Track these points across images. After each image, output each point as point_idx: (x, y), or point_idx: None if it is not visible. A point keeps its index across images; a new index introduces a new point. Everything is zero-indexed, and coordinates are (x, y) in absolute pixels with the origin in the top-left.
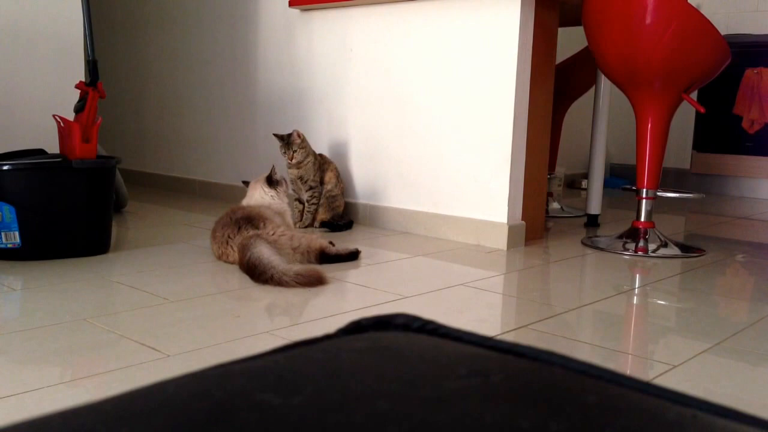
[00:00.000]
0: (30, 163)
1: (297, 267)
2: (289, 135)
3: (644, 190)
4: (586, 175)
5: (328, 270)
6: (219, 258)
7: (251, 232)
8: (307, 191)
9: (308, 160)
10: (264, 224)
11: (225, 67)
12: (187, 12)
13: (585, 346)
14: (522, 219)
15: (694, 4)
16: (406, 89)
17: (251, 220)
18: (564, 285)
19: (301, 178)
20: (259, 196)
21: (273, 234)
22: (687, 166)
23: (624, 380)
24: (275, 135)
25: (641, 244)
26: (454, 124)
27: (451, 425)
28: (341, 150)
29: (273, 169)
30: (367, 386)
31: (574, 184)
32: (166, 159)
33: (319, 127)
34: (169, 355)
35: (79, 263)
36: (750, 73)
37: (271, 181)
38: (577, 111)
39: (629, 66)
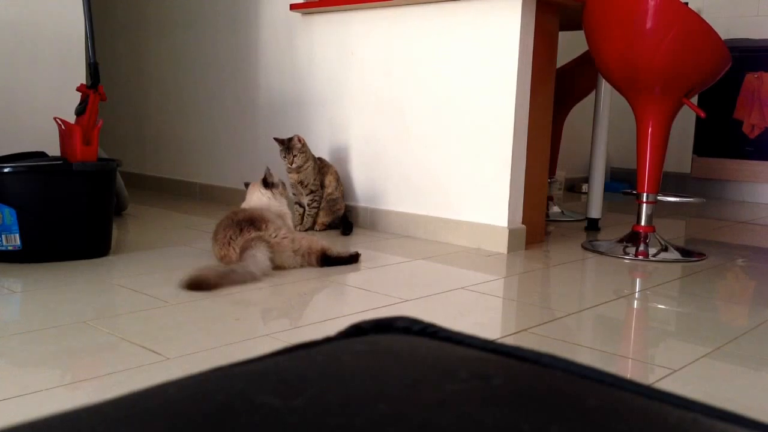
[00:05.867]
0: (31, 165)
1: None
2: (290, 139)
3: (645, 194)
4: (586, 179)
5: (329, 273)
6: (221, 260)
7: (253, 234)
8: (307, 195)
9: (308, 164)
10: (266, 226)
11: (226, 70)
12: (188, 15)
13: (585, 349)
14: (522, 223)
15: (694, 9)
16: (406, 93)
17: (253, 221)
18: (564, 289)
19: (301, 182)
20: (257, 198)
21: (275, 236)
22: (687, 170)
23: (625, 384)
24: (275, 139)
25: (642, 248)
26: (455, 127)
27: (452, 428)
28: (342, 153)
29: (267, 171)
30: (367, 389)
31: (575, 188)
32: (167, 162)
33: (319, 130)
34: (169, 358)
35: (80, 266)
36: (750, 77)
37: (267, 183)
38: (578, 115)
39: (630, 70)
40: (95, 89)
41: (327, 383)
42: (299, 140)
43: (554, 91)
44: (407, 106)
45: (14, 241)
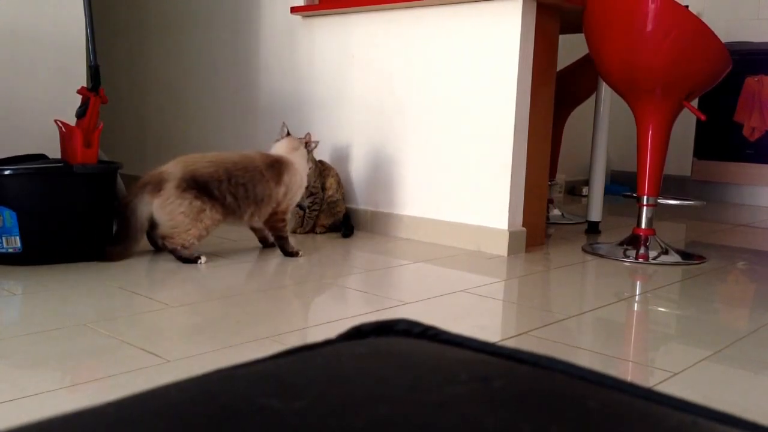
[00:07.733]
0: (31, 168)
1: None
2: None
3: (645, 197)
4: (586, 182)
5: (329, 275)
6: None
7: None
8: (308, 197)
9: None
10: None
11: (227, 72)
12: (189, 18)
13: (585, 352)
14: (523, 225)
15: (694, 12)
16: (407, 95)
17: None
18: (564, 292)
19: None
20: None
21: None
22: (688, 173)
23: (625, 386)
24: None
25: (642, 251)
26: (455, 130)
27: (452, 430)
28: (342, 155)
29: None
30: (368, 391)
31: (575, 190)
32: None
33: (320, 132)
34: (169, 360)
35: (80, 268)
36: (751, 80)
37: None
38: (578, 118)
39: (630, 73)
40: (96, 92)
41: (328, 385)
42: None
43: (554, 94)
44: (407, 109)
45: (14, 243)
